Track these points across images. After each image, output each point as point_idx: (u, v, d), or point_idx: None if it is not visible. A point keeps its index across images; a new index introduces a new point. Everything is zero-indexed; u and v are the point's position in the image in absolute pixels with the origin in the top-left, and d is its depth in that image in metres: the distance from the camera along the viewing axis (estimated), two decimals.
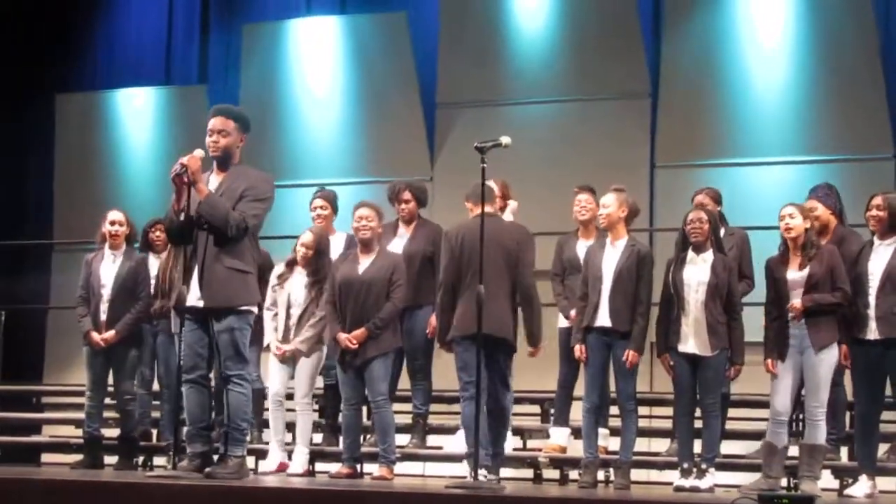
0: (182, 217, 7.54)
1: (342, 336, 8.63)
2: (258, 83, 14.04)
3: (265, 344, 9.20)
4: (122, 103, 14.69)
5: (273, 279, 9.18)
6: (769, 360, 8.07)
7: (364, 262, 8.76)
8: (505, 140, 7.94)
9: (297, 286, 9.12)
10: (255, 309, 7.82)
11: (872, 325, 8.00)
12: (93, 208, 13.39)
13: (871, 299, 8.01)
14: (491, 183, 8.95)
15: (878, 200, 8.15)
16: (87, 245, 12.81)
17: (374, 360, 8.63)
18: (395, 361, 9.02)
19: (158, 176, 13.59)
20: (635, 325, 8.32)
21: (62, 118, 14.70)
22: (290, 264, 9.21)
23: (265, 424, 9.47)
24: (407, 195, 9.54)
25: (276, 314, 9.16)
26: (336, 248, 9.52)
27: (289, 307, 9.12)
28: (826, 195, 8.89)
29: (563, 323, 9.22)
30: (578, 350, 8.42)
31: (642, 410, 9.18)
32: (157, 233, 9.92)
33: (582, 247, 9.07)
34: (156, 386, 10.01)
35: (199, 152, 7.66)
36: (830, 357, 8.00)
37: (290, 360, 9.11)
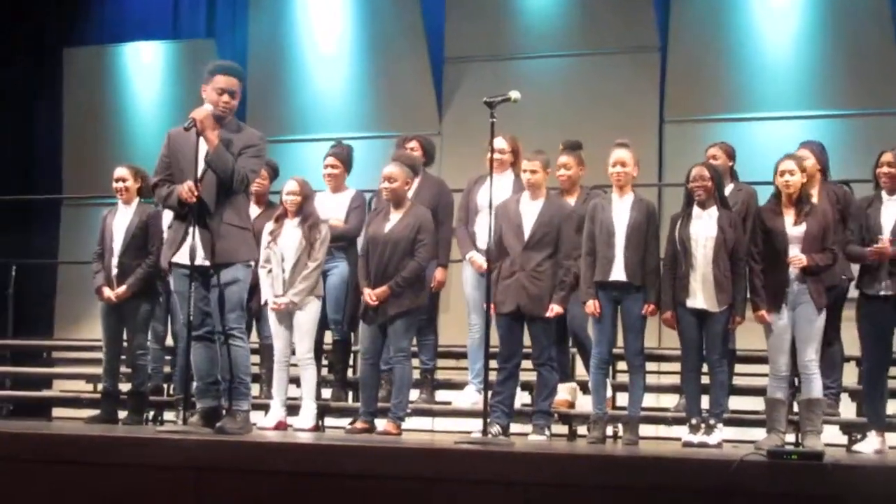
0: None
1: (366, 292, 8.64)
2: (266, 37, 14.01)
3: (263, 301, 9.17)
4: (130, 57, 14.65)
5: (265, 236, 9.13)
6: (762, 312, 8.07)
7: (392, 219, 8.73)
8: (514, 95, 7.89)
9: (288, 239, 9.09)
10: (253, 264, 7.89)
11: (886, 281, 7.99)
12: (101, 163, 13.38)
13: None
14: (501, 140, 8.96)
15: (888, 157, 8.12)
16: (97, 200, 12.89)
17: (397, 318, 8.62)
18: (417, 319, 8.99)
19: (166, 129, 13.62)
20: (649, 279, 8.33)
21: (70, 73, 14.66)
22: (280, 218, 9.20)
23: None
24: (413, 143, 9.52)
25: (270, 271, 9.13)
26: (341, 205, 9.51)
27: (283, 261, 9.09)
28: (820, 150, 8.88)
29: None
30: (592, 305, 8.41)
31: (650, 366, 9.16)
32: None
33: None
34: (169, 341, 10.00)
35: (208, 107, 7.63)
36: (824, 314, 8.03)
37: (286, 317, 9.08)
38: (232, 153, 7.55)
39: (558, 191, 9.08)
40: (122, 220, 9.57)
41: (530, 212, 8.50)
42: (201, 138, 7.52)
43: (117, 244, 9.49)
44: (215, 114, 7.61)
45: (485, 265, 8.58)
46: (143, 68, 14.55)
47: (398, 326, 8.62)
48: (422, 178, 9.37)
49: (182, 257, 7.56)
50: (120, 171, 9.65)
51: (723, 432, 8.24)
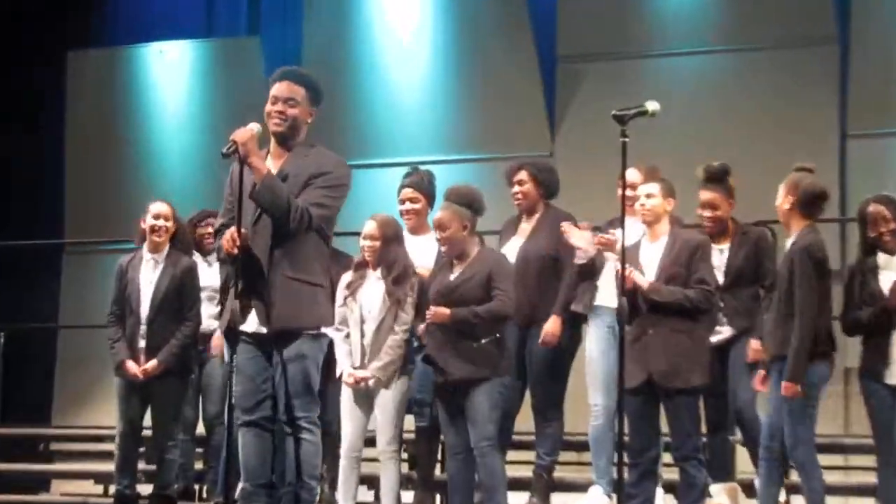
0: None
1: (431, 309, 8.57)
2: (326, 32, 14.15)
3: (339, 373, 9.11)
4: (152, 61, 14.84)
5: (341, 290, 9.08)
6: None
7: (457, 270, 8.72)
8: (652, 107, 7.79)
9: (369, 294, 9.01)
10: (328, 332, 7.76)
11: None
12: (115, 198, 13.49)
13: None
14: (634, 171, 8.84)
15: None
16: (109, 245, 12.94)
17: (474, 390, 8.53)
18: (505, 394, 8.91)
19: (198, 153, 13.69)
20: (795, 348, 8.09)
21: (75, 82, 14.87)
22: (360, 267, 9.14)
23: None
24: (522, 175, 9.44)
25: (347, 334, 9.07)
26: (426, 249, 9.40)
27: (362, 323, 9.03)
28: None
29: None
30: (758, 378, 8.35)
31: (834, 460, 9.03)
32: (210, 229, 9.89)
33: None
34: (200, 428, 10.02)
35: (253, 126, 7.58)
36: None
37: (365, 397, 9.04)
38: (300, 183, 7.48)
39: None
40: (149, 274, 9.57)
41: (652, 255, 8.39)
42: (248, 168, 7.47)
43: (145, 307, 9.50)
44: (275, 131, 7.58)
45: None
46: (168, 75, 14.73)
47: (479, 404, 8.53)
48: (542, 212, 9.38)
49: (249, 325, 7.48)
50: (160, 207, 9.66)
51: None
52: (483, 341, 8.50)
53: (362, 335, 8.99)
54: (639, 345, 8.22)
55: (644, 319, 8.24)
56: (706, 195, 8.90)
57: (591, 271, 9.06)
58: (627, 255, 8.22)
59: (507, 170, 9.57)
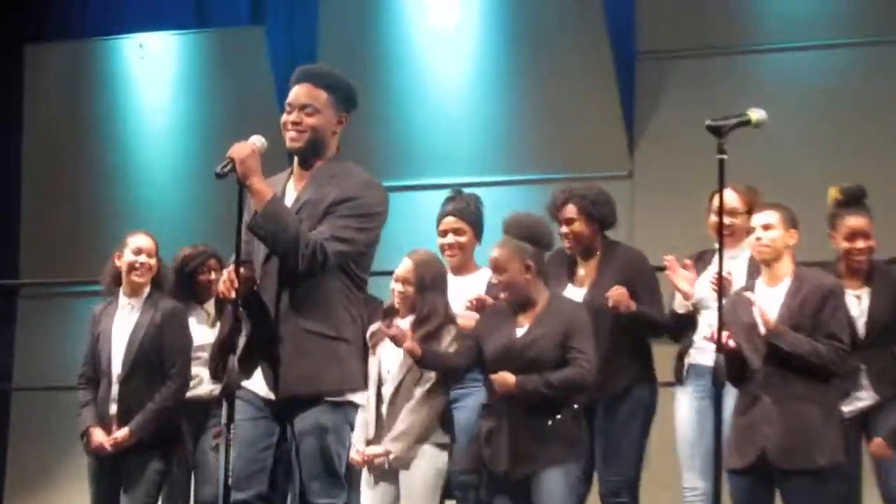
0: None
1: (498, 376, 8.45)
2: (348, 21, 14.19)
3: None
4: (130, 57, 14.87)
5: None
6: None
7: (523, 324, 8.64)
8: (757, 115, 7.79)
9: (391, 349, 8.87)
10: (357, 398, 7.65)
11: None
12: (83, 228, 13.54)
13: None
14: (730, 193, 8.86)
15: None
16: (76, 287, 13.00)
17: (546, 475, 8.47)
18: (578, 477, 8.91)
19: (187, 172, 13.73)
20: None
21: (34, 82, 14.94)
22: (388, 314, 9.09)
23: None
24: (570, 212, 9.34)
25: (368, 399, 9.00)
26: (475, 292, 9.29)
27: (380, 384, 9.00)
28: None
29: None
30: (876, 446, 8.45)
31: None
32: (212, 274, 9.98)
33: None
34: None
35: (256, 140, 7.54)
36: None
37: (389, 475, 8.96)
38: (320, 210, 7.37)
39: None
40: (124, 322, 9.61)
41: (771, 302, 8.28)
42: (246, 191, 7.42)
43: (117, 362, 9.52)
44: (291, 148, 7.55)
45: None
46: (150, 74, 14.78)
47: (549, 492, 8.49)
48: (603, 251, 9.35)
49: (255, 384, 7.38)
50: (142, 240, 9.66)
51: None
52: (559, 416, 8.46)
53: (379, 399, 8.96)
54: (750, 414, 8.16)
55: (756, 382, 8.15)
56: (857, 221, 8.88)
57: (690, 323, 9.09)
58: (739, 301, 8.28)
59: (550, 202, 9.42)
